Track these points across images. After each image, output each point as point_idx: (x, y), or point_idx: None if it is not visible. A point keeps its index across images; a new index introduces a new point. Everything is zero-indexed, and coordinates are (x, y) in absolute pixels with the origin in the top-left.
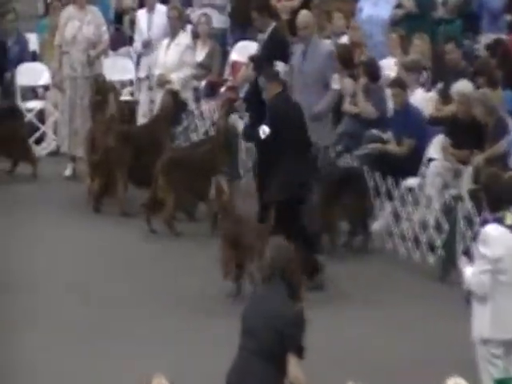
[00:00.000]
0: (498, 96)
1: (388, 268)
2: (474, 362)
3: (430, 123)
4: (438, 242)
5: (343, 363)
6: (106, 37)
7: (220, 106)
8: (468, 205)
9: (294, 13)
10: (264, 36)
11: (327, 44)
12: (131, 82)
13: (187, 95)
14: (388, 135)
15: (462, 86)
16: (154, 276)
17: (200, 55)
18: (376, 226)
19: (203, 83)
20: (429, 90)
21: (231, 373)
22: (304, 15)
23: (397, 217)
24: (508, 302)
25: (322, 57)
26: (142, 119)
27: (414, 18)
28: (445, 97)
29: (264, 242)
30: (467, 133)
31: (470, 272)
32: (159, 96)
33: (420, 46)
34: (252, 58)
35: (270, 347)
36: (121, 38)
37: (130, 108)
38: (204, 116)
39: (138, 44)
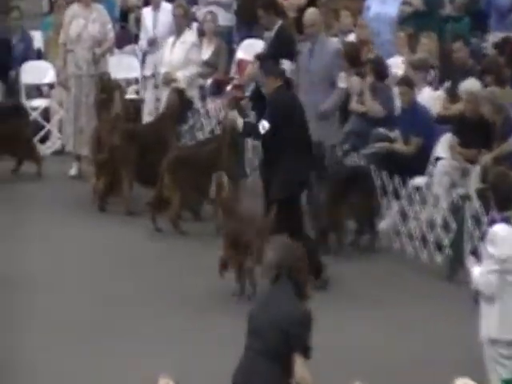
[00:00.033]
0: (506, 94)
1: (395, 267)
2: (482, 361)
3: (437, 122)
4: (446, 242)
5: (349, 363)
6: (111, 35)
7: (226, 105)
8: (476, 204)
9: (301, 11)
10: (270, 34)
11: (334, 42)
12: (137, 80)
13: (193, 93)
14: (395, 134)
15: (470, 84)
16: (159, 275)
17: (206, 53)
18: (383, 225)
19: (209, 81)
20: (436, 89)
21: (237, 373)
22: (311, 13)
23: (404, 216)
24: None
25: (328, 55)
26: (147, 117)
27: (422, 16)
28: (452, 95)
29: (263, 240)
30: (475, 131)
31: (477, 272)
32: (165, 94)
33: (427, 44)
34: (258, 57)
35: (275, 347)
36: (126, 36)
37: (136, 106)
38: (210, 114)
39: (143, 42)
